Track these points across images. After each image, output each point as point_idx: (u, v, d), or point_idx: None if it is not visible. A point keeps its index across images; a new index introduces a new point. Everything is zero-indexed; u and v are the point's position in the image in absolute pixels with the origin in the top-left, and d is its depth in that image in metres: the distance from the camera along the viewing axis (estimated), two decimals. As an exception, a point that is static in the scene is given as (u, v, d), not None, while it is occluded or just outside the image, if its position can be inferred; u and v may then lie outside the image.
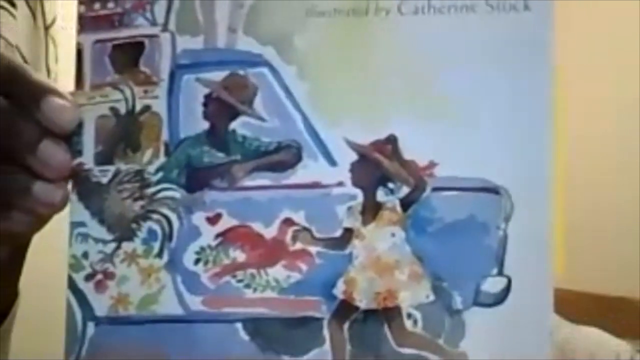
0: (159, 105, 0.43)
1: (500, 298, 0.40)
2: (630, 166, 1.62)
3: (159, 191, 0.43)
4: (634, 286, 1.53)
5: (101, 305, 0.43)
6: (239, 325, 0.42)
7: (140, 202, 0.43)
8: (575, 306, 1.34)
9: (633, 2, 1.57)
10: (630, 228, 1.61)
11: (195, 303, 0.42)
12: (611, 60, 1.65)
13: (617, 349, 1.14)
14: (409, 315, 0.41)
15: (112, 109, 0.43)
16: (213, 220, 0.42)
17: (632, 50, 1.61)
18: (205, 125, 0.43)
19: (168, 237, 0.43)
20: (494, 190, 0.41)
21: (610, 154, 1.66)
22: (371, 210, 0.42)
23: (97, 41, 0.44)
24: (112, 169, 0.43)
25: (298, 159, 0.42)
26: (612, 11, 1.64)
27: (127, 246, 0.43)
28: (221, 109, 0.43)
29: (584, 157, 1.68)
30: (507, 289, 0.40)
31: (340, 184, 0.42)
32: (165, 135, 0.43)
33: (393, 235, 0.41)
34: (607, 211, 1.67)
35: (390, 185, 0.41)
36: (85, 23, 0.44)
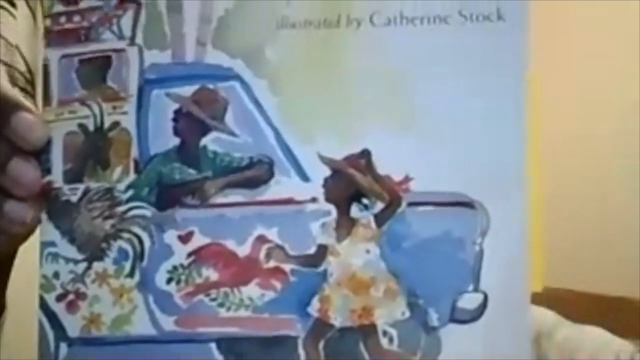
0: (128, 121, 0.44)
1: (477, 314, 0.41)
2: (631, 166, 1.63)
3: (129, 209, 0.43)
4: (634, 286, 1.54)
5: (73, 326, 0.44)
6: (212, 345, 0.43)
7: (111, 221, 0.44)
8: (575, 306, 1.35)
9: (633, 2, 1.58)
10: (631, 228, 1.62)
11: (168, 323, 0.43)
12: (611, 61, 1.66)
13: (618, 349, 1.15)
14: (385, 333, 0.42)
15: (81, 125, 0.44)
16: (185, 238, 0.43)
17: (633, 51, 1.62)
18: (175, 141, 0.43)
19: (139, 256, 0.43)
20: (469, 204, 0.42)
21: (611, 154, 1.67)
22: (345, 227, 0.42)
23: (64, 56, 0.44)
24: (81, 187, 0.44)
25: (270, 174, 0.43)
26: (612, 11, 1.65)
27: (97, 266, 0.43)
28: (191, 124, 0.43)
29: (584, 157, 1.69)
30: (484, 305, 0.41)
31: (313, 200, 0.42)
32: (135, 152, 0.44)
33: (368, 251, 0.42)
34: (607, 211, 1.68)
35: (365, 200, 0.42)
36: (51, 38, 0.45)
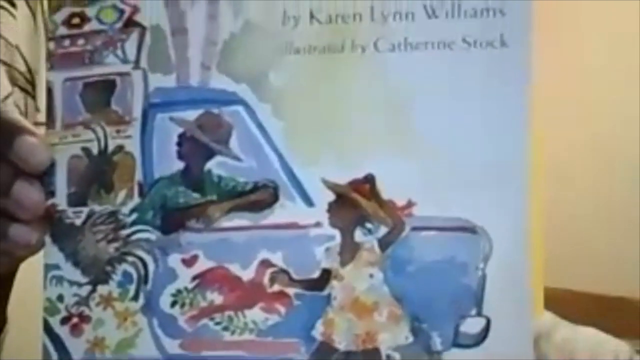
0: (132, 145, 0.45)
1: (480, 339, 0.42)
2: (631, 166, 1.65)
3: (133, 233, 0.44)
4: (634, 286, 1.56)
5: (77, 349, 0.45)
6: (217, 369, 0.44)
7: (115, 244, 0.45)
8: (575, 306, 1.37)
9: (634, 2, 1.59)
10: (630, 228, 1.63)
11: (173, 346, 0.44)
12: (611, 61, 1.67)
13: (616, 349, 1.17)
14: (388, 357, 0.43)
15: (84, 149, 0.45)
16: (189, 262, 0.44)
17: (633, 51, 1.63)
18: (180, 165, 0.44)
19: (143, 279, 0.44)
20: (472, 230, 0.43)
21: (610, 154, 1.69)
22: (349, 251, 0.43)
23: (68, 79, 0.45)
24: (85, 210, 0.45)
25: (275, 199, 0.44)
26: (613, 12, 1.66)
27: (102, 289, 0.45)
28: (196, 148, 0.44)
29: (583, 158, 1.70)
30: (487, 330, 0.42)
31: (317, 224, 0.43)
32: (139, 176, 0.45)
33: (371, 276, 0.43)
34: (607, 211, 1.69)
35: (369, 225, 0.43)
36: (55, 60, 0.45)
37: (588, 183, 1.72)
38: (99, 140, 0.45)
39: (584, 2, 1.69)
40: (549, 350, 1.18)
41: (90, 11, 0.45)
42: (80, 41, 0.45)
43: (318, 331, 0.43)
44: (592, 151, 1.71)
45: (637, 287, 1.56)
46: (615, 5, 1.64)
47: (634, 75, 1.63)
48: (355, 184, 0.43)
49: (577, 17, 1.67)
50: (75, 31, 0.45)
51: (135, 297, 0.44)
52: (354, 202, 0.43)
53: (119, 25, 0.45)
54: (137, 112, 0.45)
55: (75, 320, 0.45)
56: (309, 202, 0.44)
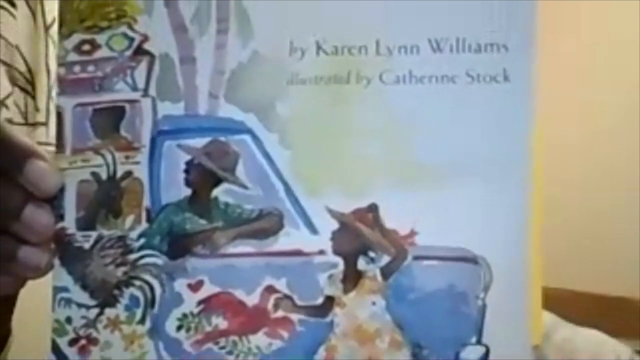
0: (141, 171, 0.46)
1: (479, 367, 0.44)
2: (630, 167, 1.66)
3: (141, 257, 0.46)
4: (634, 286, 1.58)
5: None
6: (221, 392, 0.45)
7: (123, 268, 0.46)
8: (575, 306, 1.38)
9: (633, 2, 1.60)
10: (630, 228, 1.65)
11: None
12: (610, 62, 1.68)
13: (617, 350, 1.18)
14: (390, 383, 0.44)
15: (94, 173, 0.46)
16: (195, 287, 0.45)
17: (633, 52, 1.64)
18: (187, 191, 0.46)
19: (150, 303, 0.46)
20: (473, 260, 0.44)
21: (610, 155, 1.70)
22: (352, 279, 0.45)
23: (78, 105, 0.46)
24: (94, 234, 0.46)
25: (280, 226, 0.45)
26: (612, 13, 1.67)
27: (110, 312, 0.46)
28: (203, 175, 0.46)
29: (583, 158, 1.72)
30: (486, 358, 0.44)
31: (321, 252, 0.45)
32: (147, 201, 0.46)
33: (374, 303, 0.45)
34: (607, 212, 1.71)
35: (371, 254, 0.45)
36: (65, 86, 0.46)
37: (587, 183, 1.73)
38: (107, 165, 0.46)
39: (584, 2, 1.70)
40: (549, 351, 1.20)
41: (100, 38, 0.46)
42: (91, 68, 0.46)
43: (320, 357, 0.45)
44: (592, 151, 1.72)
45: (637, 287, 1.57)
46: (615, 6, 1.65)
47: (634, 75, 1.64)
48: (358, 213, 0.45)
49: (577, 17, 1.68)
50: (85, 58, 0.46)
51: (142, 321, 0.46)
52: (357, 231, 0.45)
53: (128, 53, 0.46)
54: (146, 139, 0.46)
55: (83, 342, 0.46)
56: (313, 230, 0.45)
